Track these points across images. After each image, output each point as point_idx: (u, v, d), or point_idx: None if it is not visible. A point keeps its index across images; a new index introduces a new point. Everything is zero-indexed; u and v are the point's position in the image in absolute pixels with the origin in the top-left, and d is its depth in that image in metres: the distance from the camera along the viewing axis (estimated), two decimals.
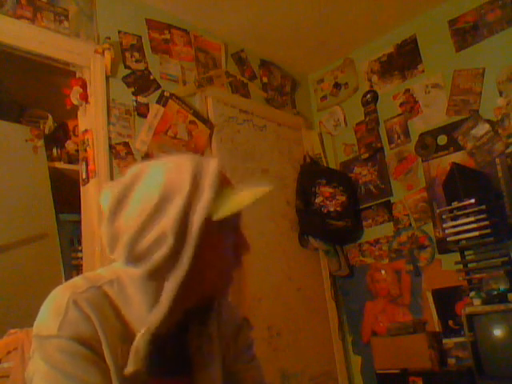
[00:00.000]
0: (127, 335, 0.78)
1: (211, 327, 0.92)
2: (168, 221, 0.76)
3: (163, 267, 0.76)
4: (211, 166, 0.82)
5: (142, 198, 0.78)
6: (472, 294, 2.18)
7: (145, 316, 0.77)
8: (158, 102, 2.33)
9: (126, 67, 2.26)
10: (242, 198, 0.82)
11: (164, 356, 0.83)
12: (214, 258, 0.83)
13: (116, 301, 0.80)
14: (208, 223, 0.78)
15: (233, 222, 0.86)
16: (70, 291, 0.78)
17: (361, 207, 3.00)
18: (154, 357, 0.79)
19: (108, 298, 0.80)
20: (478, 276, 2.26)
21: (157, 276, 0.77)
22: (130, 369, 0.76)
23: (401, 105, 2.89)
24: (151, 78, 2.35)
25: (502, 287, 2.16)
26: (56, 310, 0.76)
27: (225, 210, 0.80)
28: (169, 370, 0.85)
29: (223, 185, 0.83)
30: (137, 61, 2.31)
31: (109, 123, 2.11)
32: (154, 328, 0.77)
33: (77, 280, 0.83)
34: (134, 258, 0.77)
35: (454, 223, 2.28)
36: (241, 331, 1.00)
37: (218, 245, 0.83)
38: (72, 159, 2.31)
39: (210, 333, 0.91)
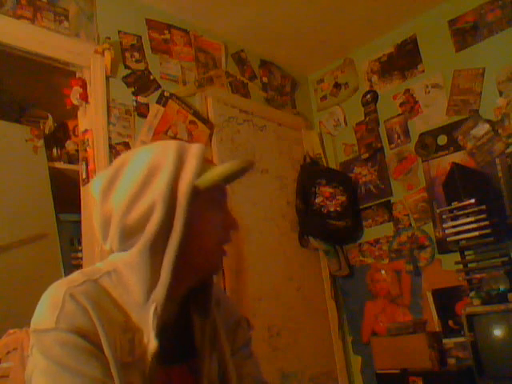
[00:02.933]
0: (128, 325, 0.79)
1: (212, 321, 0.93)
2: (155, 191, 0.79)
3: (157, 240, 0.78)
4: (194, 146, 0.88)
5: (129, 176, 0.82)
6: (472, 294, 2.19)
7: (144, 301, 0.79)
8: (158, 102, 2.33)
9: (126, 67, 2.26)
10: (224, 168, 0.87)
11: (165, 345, 0.83)
12: (205, 230, 0.86)
13: (114, 292, 0.81)
14: (196, 195, 0.82)
15: (219, 199, 0.90)
16: (67, 285, 0.78)
17: (361, 207, 3.00)
18: (159, 344, 0.80)
19: (105, 291, 0.80)
20: (478, 276, 2.26)
21: (152, 252, 0.79)
22: (154, 344, 0.77)
23: (401, 105, 2.89)
24: (151, 77, 2.35)
25: (502, 287, 2.16)
26: (53, 303, 0.76)
27: (210, 178, 0.84)
28: (169, 358, 0.86)
29: (207, 161, 0.88)
30: (137, 61, 2.31)
31: (109, 123, 2.11)
32: (160, 305, 0.78)
33: (73, 275, 0.83)
34: (125, 233, 0.79)
35: (454, 223, 2.28)
36: (239, 328, 1.01)
37: (207, 218, 0.86)
38: (72, 159, 2.31)
39: (211, 326, 0.93)
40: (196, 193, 0.82)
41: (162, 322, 0.79)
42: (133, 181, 0.81)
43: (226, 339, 0.96)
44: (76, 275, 0.83)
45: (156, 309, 0.78)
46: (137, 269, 0.79)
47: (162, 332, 0.80)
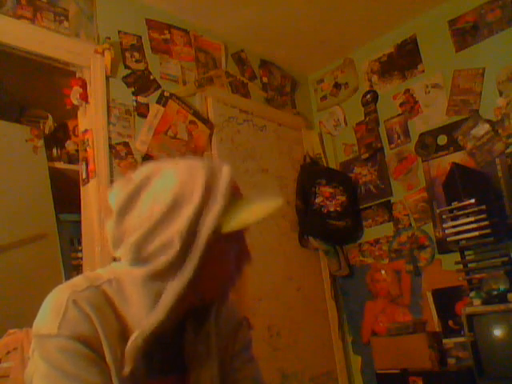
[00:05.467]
0: (125, 335, 0.78)
1: (208, 325, 0.91)
2: (177, 228, 0.75)
3: (166, 272, 0.76)
4: (224, 174, 0.82)
5: (152, 201, 0.77)
6: (472, 294, 2.18)
7: (143, 318, 0.77)
8: (158, 102, 2.33)
9: (126, 67, 2.26)
10: (252, 212, 0.81)
11: (161, 355, 0.83)
12: (217, 270, 0.83)
13: (115, 300, 0.80)
14: (216, 234, 0.78)
15: (239, 233, 0.86)
16: (70, 290, 0.78)
17: (361, 207, 3.00)
18: (151, 356, 0.80)
19: (107, 298, 0.80)
20: (478, 276, 2.26)
21: (158, 279, 0.77)
22: (126, 370, 0.76)
23: (401, 105, 2.89)
24: (151, 77, 2.35)
25: (502, 287, 2.16)
26: (55, 309, 0.76)
27: (234, 224, 0.79)
28: (166, 368, 0.85)
29: (235, 195, 0.82)
30: (137, 61, 2.31)
31: (109, 123, 2.10)
32: (147, 333, 0.76)
33: (76, 279, 0.83)
34: (139, 259, 0.78)
35: (454, 223, 2.28)
36: (240, 330, 1.00)
37: (223, 256, 0.83)
38: (72, 159, 2.31)
39: (207, 331, 0.91)
40: (217, 234, 0.78)
41: (155, 336, 0.78)
42: (153, 209, 0.76)
43: (226, 343, 0.95)
44: (79, 280, 0.82)
45: (143, 333, 0.76)
46: (139, 288, 0.78)
47: (157, 343, 0.79)
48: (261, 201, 0.82)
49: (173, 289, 0.76)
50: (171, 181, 0.78)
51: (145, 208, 0.77)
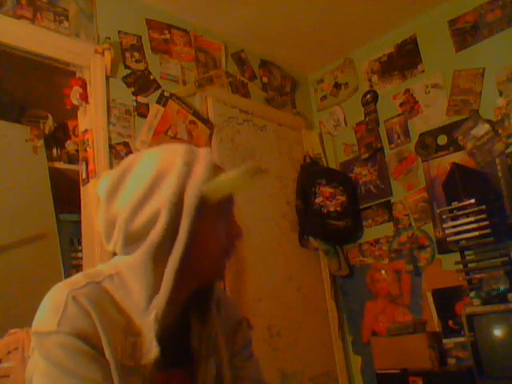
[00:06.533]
0: (130, 329, 0.79)
1: (211, 325, 0.92)
2: (161, 198, 0.78)
3: (161, 247, 0.78)
4: (203, 151, 0.86)
5: (135, 180, 0.81)
6: (472, 294, 2.18)
7: (145, 306, 0.78)
8: (158, 102, 2.33)
9: (126, 67, 2.26)
10: (235, 180, 0.84)
11: (167, 348, 0.83)
12: (210, 239, 0.85)
13: (116, 295, 0.80)
14: (202, 203, 0.80)
15: (225, 208, 0.88)
16: (69, 287, 0.78)
17: (361, 207, 3.00)
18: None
19: (108, 294, 0.80)
20: (478, 276, 2.26)
21: (155, 258, 0.78)
22: (151, 355, 0.77)
23: (401, 105, 2.89)
24: (151, 77, 2.35)
25: (502, 287, 2.16)
26: (55, 306, 0.76)
27: (218, 188, 0.82)
28: (171, 362, 0.86)
29: (215, 168, 0.85)
30: (137, 61, 2.31)
31: (109, 123, 2.10)
32: (161, 311, 0.78)
33: (76, 277, 0.83)
34: (129, 238, 0.79)
35: (454, 223, 2.28)
36: (239, 329, 1.01)
37: (212, 228, 0.85)
38: (72, 159, 2.32)
39: (210, 331, 0.92)
40: (202, 201, 0.80)
41: (162, 326, 0.79)
42: (138, 186, 0.80)
43: (226, 342, 0.96)
44: (78, 277, 0.82)
45: (157, 315, 0.78)
46: (139, 273, 0.79)
47: (162, 336, 0.80)
48: (242, 171, 0.85)
49: (171, 262, 0.78)
50: (152, 160, 0.82)
51: (131, 188, 0.81)
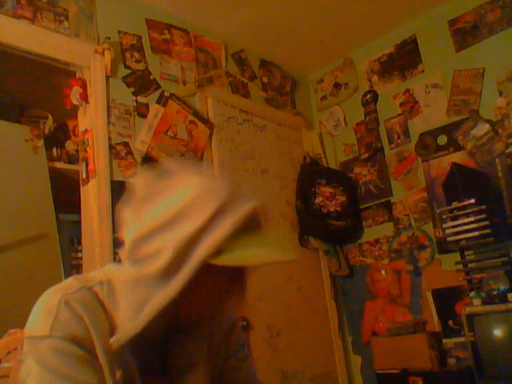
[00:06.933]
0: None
1: (197, 332, 0.90)
2: (175, 237, 0.73)
3: (154, 280, 0.74)
4: (246, 205, 0.76)
5: (165, 204, 0.75)
6: (472, 294, 2.18)
7: (126, 323, 0.77)
8: (158, 102, 2.33)
9: (126, 67, 2.26)
10: (254, 254, 0.75)
11: (148, 358, 0.82)
12: (201, 299, 0.81)
13: (105, 302, 0.80)
14: (208, 266, 0.73)
15: (236, 273, 0.83)
16: (61, 292, 0.77)
17: (361, 207, 3.00)
18: (140, 358, 0.80)
19: (98, 299, 0.80)
20: (478, 276, 2.26)
21: (147, 286, 0.75)
22: (117, 374, 0.76)
23: (401, 105, 2.89)
24: (151, 78, 2.34)
25: (502, 287, 2.16)
26: (47, 310, 0.76)
27: (227, 259, 0.73)
28: (155, 371, 0.85)
29: (248, 229, 0.76)
30: (137, 61, 2.31)
31: (109, 123, 2.11)
32: (122, 341, 0.76)
33: (67, 281, 0.82)
34: (133, 258, 0.77)
35: (454, 223, 2.28)
36: (233, 330, 0.99)
37: (210, 288, 0.80)
38: (72, 159, 2.31)
39: (196, 337, 0.90)
40: (209, 264, 0.73)
41: (142, 340, 0.78)
42: (164, 212, 0.74)
43: (219, 344, 0.95)
44: (70, 281, 0.82)
45: (117, 344, 0.76)
46: (129, 292, 0.77)
47: (147, 345, 0.79)
48: (273, 247, 0.76)
49: (156, 301, 0.73)
50: (189, 190, 0.75)
51: (159, 207, 0.75)
